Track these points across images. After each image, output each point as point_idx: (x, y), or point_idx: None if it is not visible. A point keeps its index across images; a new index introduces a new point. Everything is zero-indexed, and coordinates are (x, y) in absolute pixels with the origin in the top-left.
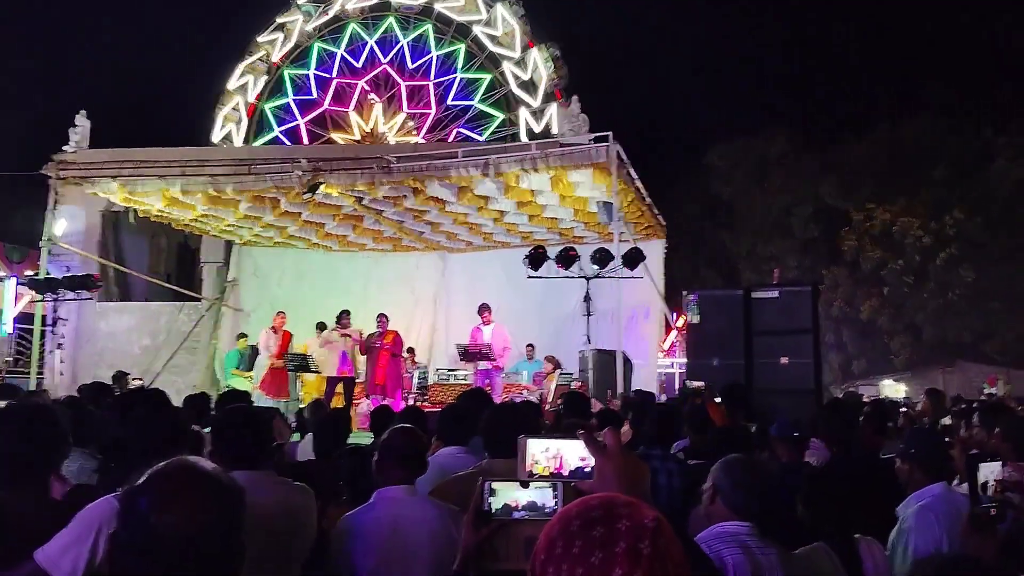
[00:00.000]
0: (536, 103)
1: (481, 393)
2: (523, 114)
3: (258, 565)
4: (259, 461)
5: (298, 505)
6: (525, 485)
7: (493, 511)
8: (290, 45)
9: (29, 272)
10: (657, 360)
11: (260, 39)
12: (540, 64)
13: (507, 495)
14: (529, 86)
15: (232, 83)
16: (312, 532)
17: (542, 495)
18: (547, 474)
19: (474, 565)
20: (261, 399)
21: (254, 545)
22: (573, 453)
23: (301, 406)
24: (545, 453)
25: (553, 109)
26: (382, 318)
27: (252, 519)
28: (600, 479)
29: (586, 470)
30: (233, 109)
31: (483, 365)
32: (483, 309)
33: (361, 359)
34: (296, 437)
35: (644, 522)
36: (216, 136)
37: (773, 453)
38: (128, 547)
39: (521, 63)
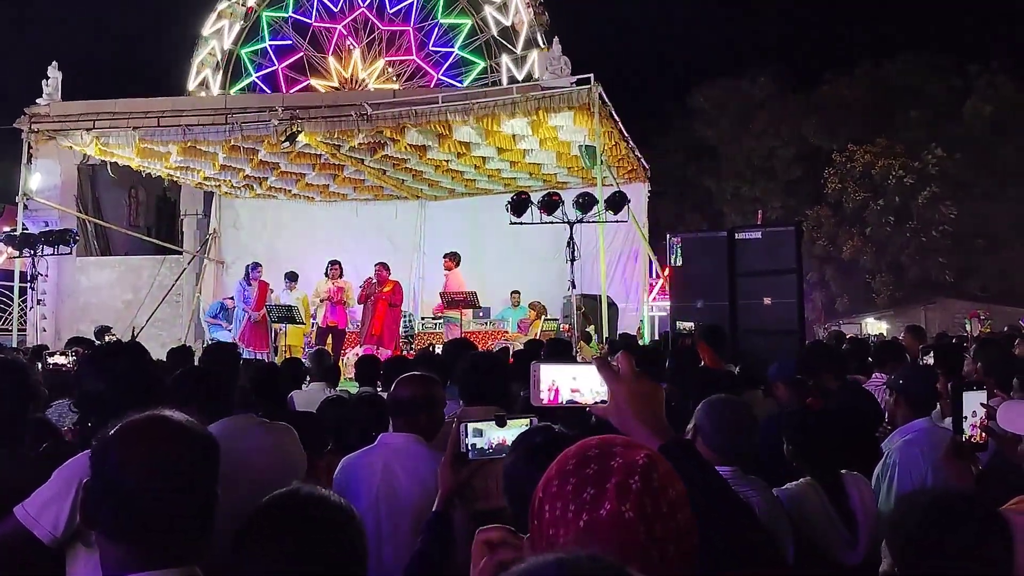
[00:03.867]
0: (518, 50)
1: (465, 342)
2: (505, 61)
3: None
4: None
5: (284, 446)
6: (502, 424)
7: (478, 450)
8: None
9: (6, 228)
10: (642, 303)
11: None
12: (521, 9)
13: (492, 435)
14: (510, 32)
15: (207, 29)
16: (302, 471)
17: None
18: (565, 401)
19: (457, 505)
20: (243, 352)
21: (239, 493)
22: (566, 382)
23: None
24: (573, 382)
25: (535, 55)
26: (380, 267)
27: (236, 467)
28: (614, 404)
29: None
30: (209, 54)
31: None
32: (446, 256)
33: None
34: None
35: (635, 459)
36: (192, 83)
37: (772, 395)
38: (99, 498)
39: (502, 8)
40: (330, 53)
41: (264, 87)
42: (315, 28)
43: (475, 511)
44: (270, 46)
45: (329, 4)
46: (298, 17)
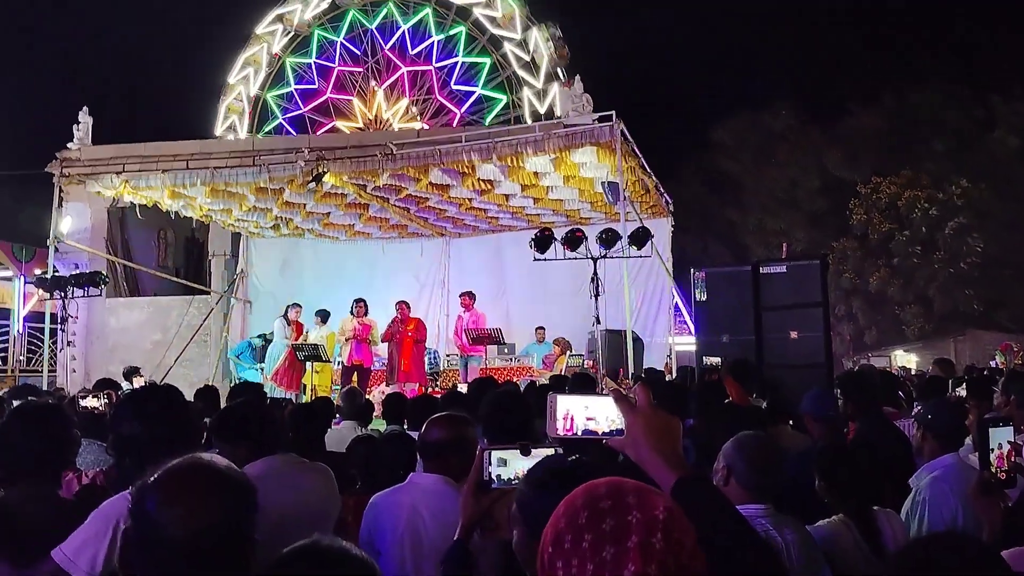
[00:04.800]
0: (539, 83)
1: (490, 380)
2: (526, 95)
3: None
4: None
5: (322, 488)
6: (526, 453)
7: (502, 480)
8: (290, 34)
9: (38, 271)
10: (668, 338)
11: (259, 31)
12: (541, 44)
13: (517, 465)
14: (531, 67)
15: (233, 76)
16: (336, 514)
17: None
18: (580, 431)
19: (477, 534)
20: (274, 390)
21: (276, 533)
22: (581, 413)
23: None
24: (586, 411)
25: (556, 89)
26: (402, 305)
27: (274, 507)
28: (631, 436)
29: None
30: (235, 99)
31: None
32: (463, 295)
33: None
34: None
35: (655, 514)
36: (219, 129)
37: (806, 431)
38: (137, 544)
39: (522, 44)
40: (354, 95)
41: (291, 129)
42: (339, 72)
43: (494, 541)
44: (296, 90)
45: (352, 48)
46: (321, 62)
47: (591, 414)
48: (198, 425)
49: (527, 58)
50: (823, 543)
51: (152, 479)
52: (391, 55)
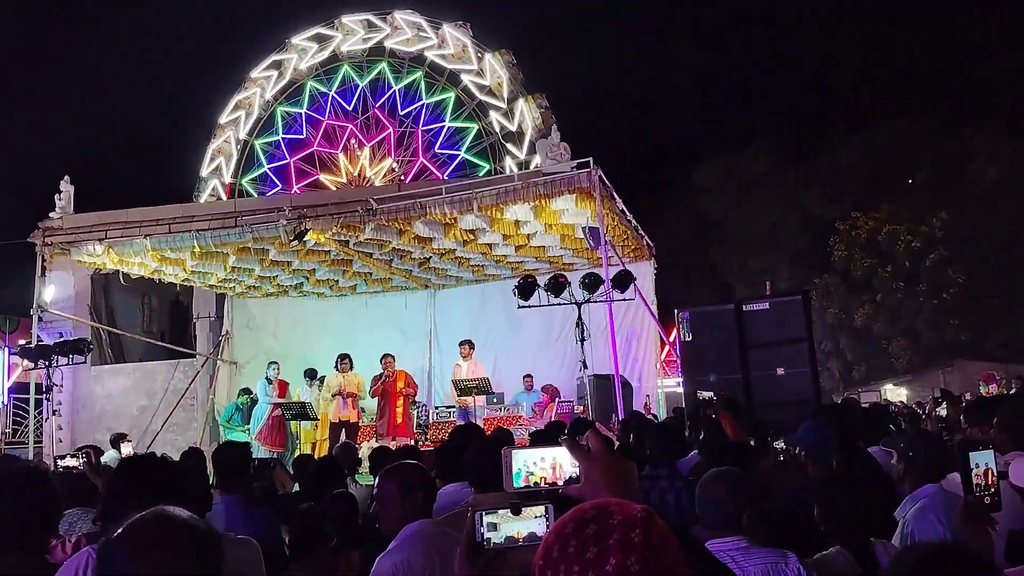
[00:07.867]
0: (522, 155)
1: (472, 427)
2: (508, 164)
3: None
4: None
5: (240, 560)
6: (517, 512)
7: (492, 543)
8: (284, 82)
9: (22, 341)
10: (656, 380)
11: (254, 74)
12: (527, 115)
13: (509, 528)
14: (515, 137)
15: (224, 117)
16: None
17: (538, 525)
18: (543, 484)
19: None
20: (259, 450)
21: None
22: (567, 461)
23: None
24: (541, 463)
25: (537, 160)
26: (388, 359)
27: None
28: (587, 482)
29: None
30: (224, 142)
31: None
32: (462, 344)
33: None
34: None
35: (634, 513)
36: (205, 170)
37: (801, 467)
38: None
39: (508, 114)
40: (340, 149)
41: (275, 179)
42: (328, 126)
43: None
44: (283, 139)
45: (343, 102)
46: (311, 113)
47: (548, 464)
48: (175, 488)
49: (512, 128)
50: (821, 573)
51: (117, 533)
52: (379, 113)
